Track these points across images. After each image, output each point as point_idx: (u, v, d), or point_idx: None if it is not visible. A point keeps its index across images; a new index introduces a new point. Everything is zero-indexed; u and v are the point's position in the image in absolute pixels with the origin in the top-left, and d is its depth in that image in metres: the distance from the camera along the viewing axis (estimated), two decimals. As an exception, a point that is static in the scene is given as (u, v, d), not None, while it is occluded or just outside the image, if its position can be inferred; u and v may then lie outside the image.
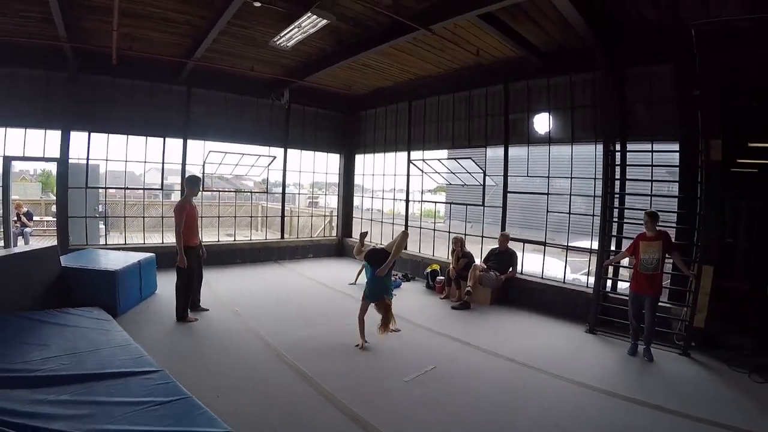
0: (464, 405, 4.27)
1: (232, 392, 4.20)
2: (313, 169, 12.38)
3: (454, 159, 9.19)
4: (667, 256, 5.64)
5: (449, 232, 9.65)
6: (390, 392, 4.45)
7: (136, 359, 3.94)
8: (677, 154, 6.40)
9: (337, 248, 12.74)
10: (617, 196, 6.83)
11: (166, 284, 7.44)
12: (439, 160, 9.73)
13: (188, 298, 6.27)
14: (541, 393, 4.59)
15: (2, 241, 9.40)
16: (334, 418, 3.86)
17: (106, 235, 10.01)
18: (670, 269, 6.11)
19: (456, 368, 5.04)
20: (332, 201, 13.20)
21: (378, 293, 5.56)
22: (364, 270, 9.06)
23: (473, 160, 8.91)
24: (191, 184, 6.33)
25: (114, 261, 6.69)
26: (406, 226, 10.82)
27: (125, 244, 9.54)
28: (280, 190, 12.13)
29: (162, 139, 9.60)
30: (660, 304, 5.93)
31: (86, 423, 2.79)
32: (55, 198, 15.87)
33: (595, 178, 7.17)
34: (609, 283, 7.06)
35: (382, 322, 5.49)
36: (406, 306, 7.52)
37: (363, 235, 6.60)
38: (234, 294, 7.64)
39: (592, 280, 7.18)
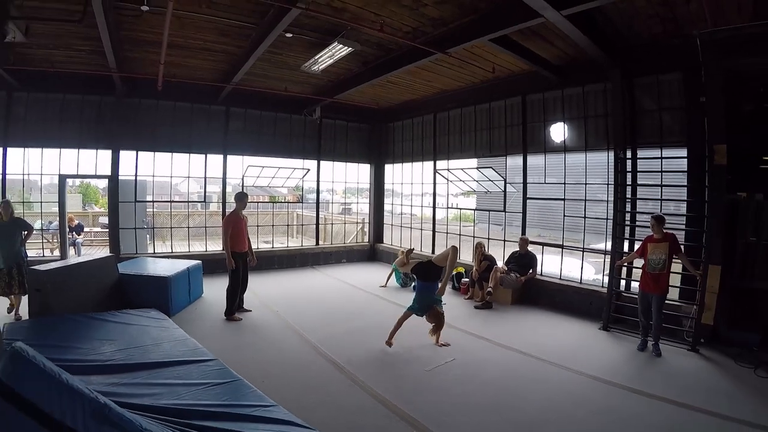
0: (476, 390, 4.71)
1: (275, 378, 4.78)
2: (345, 179, 12.94)
3: (476, 168, 9.58)
4: (674, 256, 5.90)
5: (473, 237, 10.09)
6: (412, 379, 4.96)
7: (193, 350, 4.62)
8: (685, 159, 6.65)
9: (369, 253, 13.23)
10: (629, 200, 7.09)
11: (212, 288, 8.28)
12: (462, 169, 10.07)
13: (236, 298, 7.00)
14: (547, 382, 4.98)
15: (58, 251, 10.28)
16: (361, 400, 4.42)
17: (153, 243, 10.79)
18: (681, 269, 6.35)
19: (472, 360, 5.43)
20: (364, 208, 13.73)
21: (427, 306, 5.74)
22: (394, 274, 9.58)
23: (494, 169, 9.27)
24: (239, 199, 7.16)
25: (165, 268, 7.39)
26: (434, 231, 11.28)
27: (172, 252, 10.23)
28: (314, 198, 12.62)
29: (204, 155, 10.30)
30: (670, 302, 6.20)
31: (158, 399, 3.33)
32: (98, 209, 17.10)
33: (608, 184, 7.46)
34: (623, 282, 7.29)
35: (434, 328, 5.75)
36: None
37: (409, 252, 6.78)
38: (274, 296, 8.21)
39: (601, 281, 7.52)
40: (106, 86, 8.96)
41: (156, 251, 10.43)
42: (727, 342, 6.04)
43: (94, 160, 9.37)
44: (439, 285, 5.72)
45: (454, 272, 9.52)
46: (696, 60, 5.88)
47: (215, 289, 8.29)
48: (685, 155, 6.66)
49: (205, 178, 10.47)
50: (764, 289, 6.01)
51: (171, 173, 10.09)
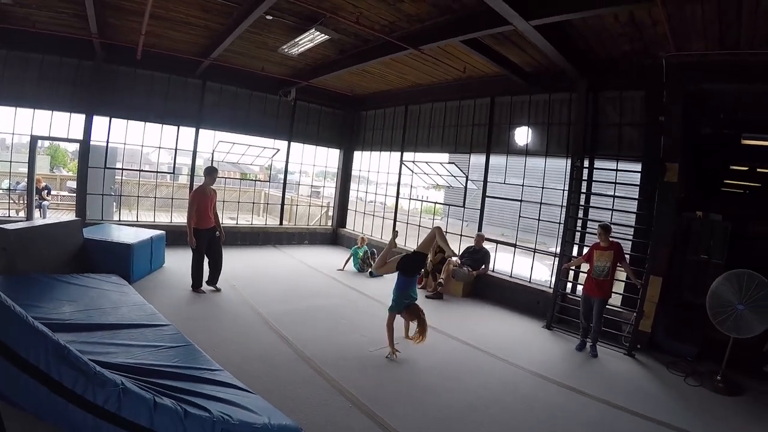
0: (417, 373, 4.91)
1: (226, 346, 4.94)
2: (314, 162, 12.94)
3: (440, 163, 9.65)
4: (618, 265, 6.05)
5: (395, 230, 10.28)
6: (356, 358, 5.09)
7: (149, 315, 4.72)
8: (639, 173, 6.83)
9: (332, 237, 13.23)
10: (581, 207, 7.28)
11: (174, 259, 8.27)
12: (427, 162, 10.13)
13: (198, 272, 6.91)
14: (485, 371, 5.18)
15: (23, 212, 10.12)
16: (304, 374, 4.57)
17: (119, 211, 10.51)
18: (625, 277, 6.56)
19: (416, 346, 5.36)
20: (330, 192, 13.81)
21: (406, 300, 5.32)
22: (352, 259, 9.60)
23: (457, 165, 9.37)
24: (208, 173, 6.96)
25: (129, 235, 7.35)
26: (395, 221, 11.36)
27: (137, 221, 10.13)
28: (282, 178, 12.60)
29: (176, 127, 10.09)
30: (612, 307, 6.41)
31: (113, 357, 3.38)
32: (66, 173, 16.75)
33: (564, 190, 7.62)
34: (569, 285, 7.54)
35: (417, 330, 5.14)
36: (380, 290, 8.07)
37: (395, 234, 6.36)
38: (233, 271, 8.08)
39: (550, 281, 7.73)
40: (86, 51, 8.73)
41: (122, 219, 10.23)
42: (662, 350, 6.30)
43: (67, 124, 9.08)
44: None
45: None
46: (660, 80, 6.09)
47: (177, 260, 8.31)
48: (640, 170, 6.84)
49: (176, 149, 10.24)
50: (705, 305, 6.24)
51: (142, 142, 9.88)
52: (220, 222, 7.32)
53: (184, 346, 4.02)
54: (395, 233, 6.32)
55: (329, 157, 13.26)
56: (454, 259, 8.25)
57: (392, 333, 5.32)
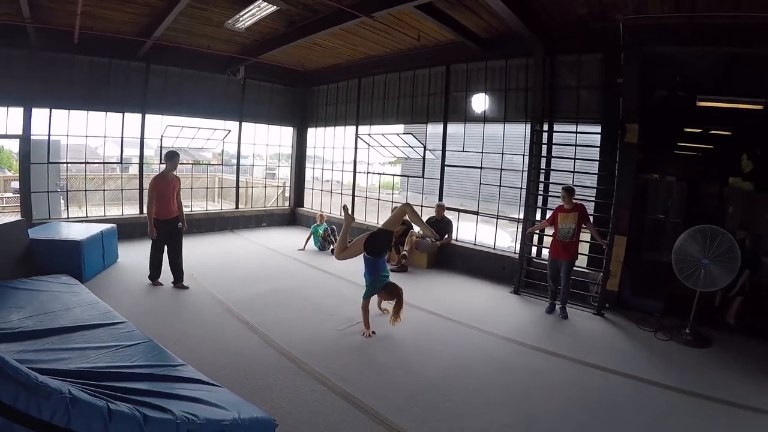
0: (387, 349, 4.77)
1: (188, 340, 4.63)
2: (267, 141, 12.38)
3: (397, 134, 9.41)
4: (583, 226, 6.03)
5: (392, 202, 10.03)
6: (324, 340, 4.91)
7: (103, 314, 4.28)
8: (599, 135, 6.83)
9: (290, 217, 12.88)
10: (543, 171, 7.21)
11: (128, 253, 7.81)
12: (383, 134, 9.89)
13: (157, 263, 6.46)
14: (457, 341, 5.09)
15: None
16: (273, 360, 4.36)
17: (67, 209, 9.94)
18: (589, 238, 6.50)
19: (385, 320, 5.30)
20: (285, 172, 13.29)
21: (380, 283, 5.16)
22: (312, 238, 9.37)
23: (414, 135, 9.14)
24: (169, 159, 6.33)
25: (78, 232, 6.83)
26: (353, 196, 11.06)
27: (87, 217, 9.39)
28: (235, 161, 11.99)
29: (121, 114, 9.43)
30: (578, 269, 6.39)
31: (67, 363, 3.09)
32: (9, 173, 15.77)
33: (524, 155, 7.53)
34: (534, 249, 7.53)
35: (394, 310, 5.08)
36: (343, 268, 7.75)
37: (346, 210, 5.93)
38: (191, 260, 7.46)
39: (514, 247, 7.70)
40: (19, 38, 7.90)
41: (71, 216, 9.58)
42: (630, 308, 6.37)
43: (5, 119, 8.28)
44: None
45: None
46: (617, 44, 6.07)
47: (131, 254, 7.87)
48: (599, 131, 6.83)
49: (122, 138, 9.56)
50: (668, 263, 6.34)
51: (86, 133, 9.15)
52: (184, 212, 6.74)
53: (142, 343, 3.70)
54: (345, 210, 5.85)
55: (282, 136, 12.78)
56: (418, 231, 7.96)
57: (368, 315, 5.16)
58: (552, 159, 7.31)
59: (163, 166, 6.48)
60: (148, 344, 3.72)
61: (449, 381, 4.15)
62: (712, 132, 8.08)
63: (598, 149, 6.96)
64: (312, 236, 9.57)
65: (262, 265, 8.15)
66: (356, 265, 8.07)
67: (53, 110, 8.72)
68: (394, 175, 10.75)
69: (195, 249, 8.85)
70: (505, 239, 8.60)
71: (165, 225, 6.38)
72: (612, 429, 3.53)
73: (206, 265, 7.78)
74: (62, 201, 9.95)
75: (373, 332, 5.10)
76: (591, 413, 3.72)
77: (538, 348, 5.01)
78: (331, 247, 9.07)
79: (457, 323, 5.67)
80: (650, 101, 6.51)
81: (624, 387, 4.23)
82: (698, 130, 8.04)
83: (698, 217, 6.45)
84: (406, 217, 8.34)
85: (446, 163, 9.05)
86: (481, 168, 8.36)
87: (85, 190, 10.07)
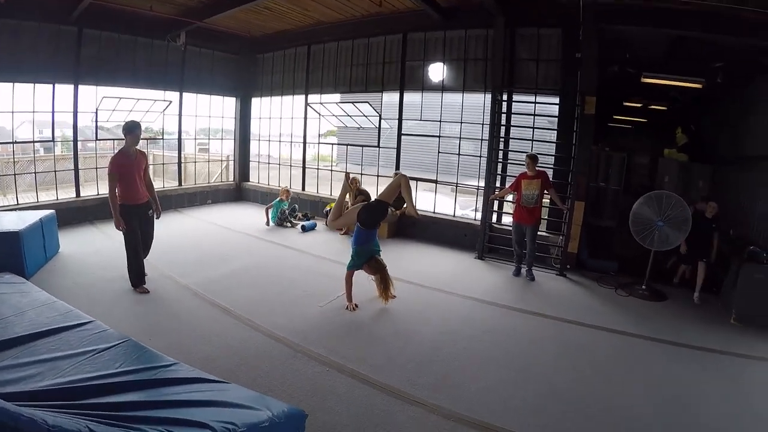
0: (372, 321, 4.74)
1: (163, 333, 4.24)
2: (209, 113, 11.61)
3: (352, 102, 9.15)
4: (545, 192, 6.26)
5: (347, 173, 9.86)
6: (307, 316, 4.76)
7: (65, 314, 3.62)
8: (557, 106, 7.10)
9: (236, 193, 12.29)
10: (502, 140, 7.38)
11: (70, 242, 6.99)
12: (337, 103, 9.62)
13: (138, 262, 5.29)
14: (437, 307, 5.18)
15: None
16: (261, 343, 4.14)
17: None
18: (548, 203, 6.77)
19: (362, 293, 5.16)
20: (227, 146, 12.59)
21: (366, 256, 4.93)
22: (271, 212, 9.07)
23: (370, 104, 8.92)
24: (129, 131, 5.11)
25: (13, 221, 5.85)
26: (304, 168, 10.84)
27: (17, 204, 8.18)
28: (175, 137, 11.16)
29: (51, 85, 8.33)
30: (540, 233, 6.66)
31: (38, 381, 2.61)
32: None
33: (483, 124, 7.67)
34: (495, 216, 7.72)
35: (380, 287, 4.87)
36: (308, 243, 7.80)
37: (349, 179, 5.80)
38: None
39: (479, 215, 7.82)
40: None
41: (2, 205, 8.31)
42: (587, 268, 6.74)
43: None
44: (405, 208, 5.12)
45: (328, 208, 9.24)
46: (576, 19, 6.19)
47: (74, 243, 7.05)
48: (557, 102, 7.08)
49: (53, 111, 8.43)
50: (613, 227, 7.03)
51: (12, 108, 7.88)
52: (156, 195, 5.64)
53: (120, 343, 3.15)
54: (347, 177, 5.70)
55: (225, 106, 12.04)
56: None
57: (350, 288, 5.04)
58: (511, 128, 7.48)
59: (124, 142, 5.24)
60: (126, 344, 3.22)
61: (446, 347, 4.25)
62: (651, 107, 8.49)
63: (556, 119, 7.21)
64: (271, 210, 9.20)
65: (218, 244, 7.66)
66: (318, 239, 8.08)
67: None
68: (348, 144, 10.26)
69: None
70: (453, 207, 8.63)
71: (135, 212, 5.24)
72: (601, 378, 3.82)
73: (157, 248, 7.04)
74: None
75: (356, 305, 5.01)
76: (578, 364, 4.02)
77: (515, 308, 5.26)
78: (301, 223, 8.92)
79: (434, 290, 5.78)
80: (601, 76, 6.77)
81: (602, 339, 4.60)
82: (638, 105, 8.43)
83: (631, 184, 7.24)
84: (362, 187, 7.87)
85: (403, 132, 8.98)
86: (439, 137, 8.39)
87: (14, 174, 8.76)
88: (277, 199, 9.33)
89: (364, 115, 9.24)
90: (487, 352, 4.16)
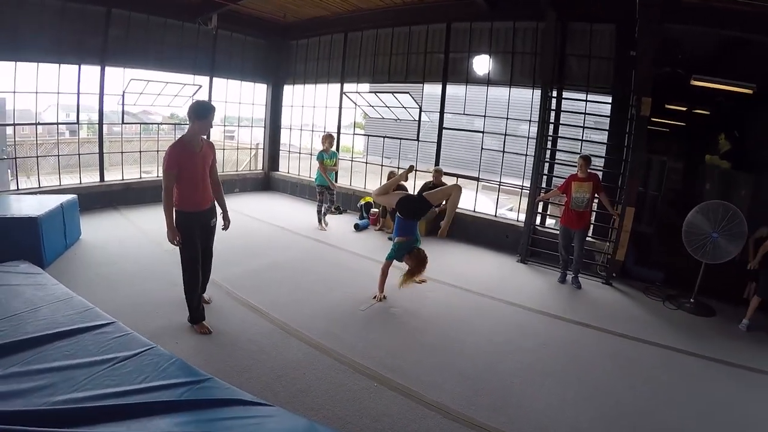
0: (417, 327, 4.46)
1: (190, 335, 3.89)
2: (239, 99, 11.30)
3: (392, 93, 8.76)
4: (595, 196, 5.97)
5: (382, 166, 9.53)
6: (348, 322, 4.39)
7: (82, 313, 3.32)
8: (609, 106, 6.73)
9: (264, 182, 12.01)
10: (551, 138, 7.03)
11: (91, 228, 6.69)
12: (375, 93, 9.22)
13: (196, 293, 4.00)
14: (486, 314, 4.94)
15: None
16: (294, 347, 3.83)
17: (16, 180, 8.52)
18: (596, 207, 6.45)
19: (402, 295, 4.95)
20: (256, 135, 12.20)
21: (407, 248, 4.79)
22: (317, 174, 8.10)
23: (411, 95, 8.58)
24: (198, 114, 3.73)
25: (33, 206, 5.53)
26: (410, 167, 10.33)
27: (39, 187, 7.94)
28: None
29: (77, 66, 8.03)
30: (586, 238, 6.38)
31: (49, 395, 2.29)
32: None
33: (530, 121, 7.39)
34: (538, 218, 7.41)
35: (407, 272, 4.70)
36: (342, 237, 7.53)
37: (411, 169, 5.57)
38: (158, 232, 5.57)
39: (516, 215, 7.65)
40: None
41: (20, 188, 8.10)
42: (632, 277, 6.46)
43: None
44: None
45: (363, 201, 9.01)
46: (631, 16, 5.87)
47: (96, 229, 6.76)
48: (609, 101, 6.72)
49: (79, 93, 8.09)
50: (662, 235, 6.63)
51: (36, 89, 7.51)
52: (225, 199, 4.36)
53: (144, 351, 2.84)
54: (410, 168, 5.58)
55: (256, 93, 11.73)
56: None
57: (384, 278, 4.96)
58: (560, 127, 7.13)
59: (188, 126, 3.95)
60: (151, 352, 2.89)
61: (500, 360, 3.99)
62: (694, 111, 7.98)
63: (608, 119, 6.86)
64: (316, 174, 8.09)
65: (246, 236, 7.19)
66: (350, 233, 7.78)
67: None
68: (385, 137, 9.74)
69: (161, 220, 7.81)
70: (495, 206, 8.26)
71: (196, 221, 3.96)
72: (662, 398, 3.57)
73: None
74: (9, 171, 8.54)
75: (384, 296, 4.95)
76: (635, 382, 3.78)
77: (565, 318, 5.03)
78: (356, 222, 8.41)
79: (478, 295, 5.54)
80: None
81: (656, 356, 4.33)
82: (682, 108, 7.90)
83: (676, 192, 6.84)
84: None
85: (444, 126, 8.62)
86: (483, 132, 8.10)
87: (37, 156, 8.41)
88: (320, 150, 8.01)
89: (403, 107, 8.92)
90: (544, 367, 3.95)
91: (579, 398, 3.48)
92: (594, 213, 6.59)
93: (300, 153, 11.46)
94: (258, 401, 2.46)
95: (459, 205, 7.77)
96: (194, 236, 3.90)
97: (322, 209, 7.97)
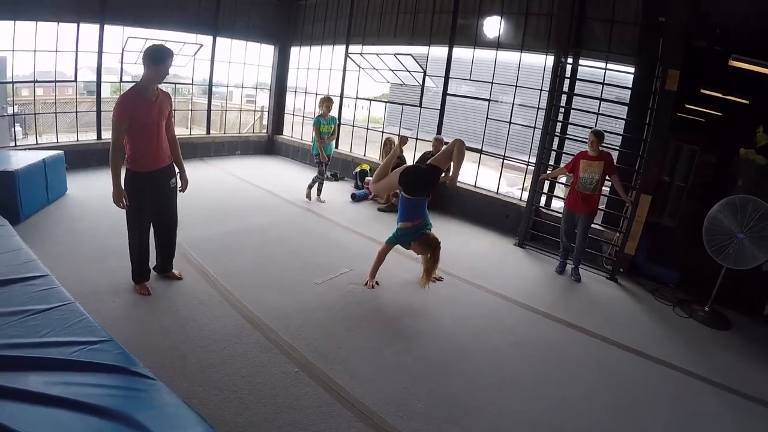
0: (378, 314, 4.01)
1: (131, 294, 3.80)
2: (244, 60, 11.00)
3: (393, 54, 8.28)
4: (606, 177, 5.31)
5: (383, 132, 9.08)
6: (299, 296, 4.12)
7: (22, 265, 3.26)
8: (631, 76, 5.99)
9: (267, 145, 11.79)
10: (562, 110, 6.37)
11: (79, 184, 6.70)
12: (377, 54, 8.71)
13: (142, 254, 3.87)
14: (461, 302, 4.46)
15: None
16: (230, 319, 3.61)
17: (14, 136, 8.48)
18: (608, 192, 5.85)
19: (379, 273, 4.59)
20: (262, 98, 12.19)
21: (414, 233, 4.22)
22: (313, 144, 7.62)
23: (413, 57, 8.05)
24: (154, 58, 3.45)
25: (15, 161, 5.72)
26: (339, 124, 9.81)
27: (36, 144, 8.00)
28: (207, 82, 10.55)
29: (75, 24, 7.90)
30: (594, 226, 5.73)
31: None
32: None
33: (541, 90, 6.67)
34: (543, 199, 6.80)
35: (425, 268, 4.14)
36: (331, 206, 7.22)
37: (403, 140, 4.88)
38: None
39: (520, 194, 7.02)
40: None
41: (18, 144, 8.11)
42: (642, 274, 5.78)
43: None
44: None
45: (358, 169, 8.57)
46: None
47: (85, 186, 6.77)
48: (632, 71, 5.97)
49: (77, 52, 8.05)
50: (684, 232, 5.87)
51: (35, 47, 7.55)
52: (180, 154, 4.04)
53: (60, 306, 2.77)
54: (403, 139, 4.87)
55: (262, 54, 11.39)
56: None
57: (380, 263, 4.46)
58: (574, 97, 6.43)
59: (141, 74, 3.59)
60: (66, 308, 2.80)
61: (457, 360, 3.47)
62: (730, 97, 7.20)
63: (628, 92, 6.08)
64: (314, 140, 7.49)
65: (231, 198, 7.19)
66: (343, 202, 7.48)
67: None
68: (387, 102, 9.52)
69: None
70: (497, 183, 7.74)
71: (148, 182, 3.70)
72: (643, 421, 3.02)
73: None
74: (12, 128, 8.55)
75: (377, 283, 4.46)
76: (620, 402, 3.20)
77: (553, 316, 4.40)
78: (353, 191, 8.14)
79: (458, 279, 5.01)
80: (685, 50, 5.53)
81: (648, 371, 3.70)
82: (718, 95, 7.17)
83: (704, 186, 6.04)
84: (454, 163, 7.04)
85: (448, 92, 8.03)
86: (489, 100, 7.43)
87: (34, 114, 8.53)
88: (317, 116, 7.43)
89: (408, 71, 8.36)
90: (507, 374, 3.35)
91: (538, 422, 2.84)
92: (607, 198, 6.00)
93: (304, 117, 11.11)
94: (143, 372, 2.29)
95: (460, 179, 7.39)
96: (145, 200, 3.68)
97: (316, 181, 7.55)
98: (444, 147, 4.54)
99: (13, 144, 8.02)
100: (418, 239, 4.20)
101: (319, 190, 7.60)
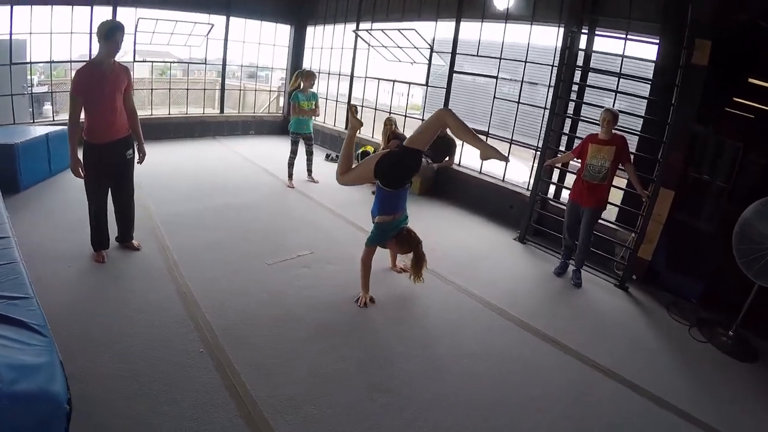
0: (316, 297, 3.74)
1: (89, 261, 4.00)
2: (259, 40, 10.85)
3: (398, 30, 7.81)
4: (620, 166, 4.51)
5: (390, 113, 8.51)
6: (245, 280, 3.94)
7: None
8: (656, 48, 5.07)
9: (282, 126, 11.39)
10: (576, 87, 5.55)
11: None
12: (382, 30, 8.24)
13: (100, 222, 4.07)
14: (432, 305, 3.94)
15: None
16: (166, 297, 3.54)
17: (32, 113, 8.93)
18: (625, 185, 5.06)
19: (336, 254, 4.50)
20: (277, 77, 12.19)
21: (393, 229, 3.77)
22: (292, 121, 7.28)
23: (417, 32, 7.54)
24: (105, 34, 3.65)
25: (17, 135, 6.24)
26: (349, 104, 9.33)
27: (53, 120, 8.38)
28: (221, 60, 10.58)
29: (89, 7, 8.04)
30: (606, 224, 5.01)
31: None
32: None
33: (554, 66, 5.88)
34: (552, 189, 6.08)
35: (412, 266, 3.83)
36: (324, 188, 6.94)
37: (354, 111, 4.13)
38: (148, 168, 5.29)
39: (528, 183, 6.29)
40: None
41: (35, 120, 8.64)
42: (659, 284, 4.93)
43: None
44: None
45: (361, 150, 8.05)
46: None
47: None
48: (657, 42, 5.07)
49: (91, 33, 8.12)
50: (718, 237, 4.64)
51: (51, 30, 7.93)
52: (139, 126, 4.20)
53: (3, 265, 2.83)
54: (353, 112, 4.10)
55: (278, 34, 11.19)
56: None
57: (368, 272, 3.77)
58: (589, 72, 5.59)
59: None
60: (7, 267, 2.86)
61: (394, 374, 2.97)
62: None
63: (652, 66, 5.20)
64: (292, 118, 7.13)
65: (224, 176, 7.19)
66: (339, 188, 6.69)
67: (14, 6, 7.49)
68: (393, 81, 9.14)
69: (161, 156, 7.89)
70: (518, 172, 7.25)
71: (104, 153, 3.89)
72: None
73: (163, 173, 6.83)
74: (33, 105, 9.02)
75: (372, 299, 3.80)
76: None
77: (534, 329, 3.75)
78: (328, 153, 8.00)
79: (436, 276, 4.46)
80: (723, 25, 4.57)
81: (650, 418, 2.91)
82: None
83: (749, 188, 4.80)
84: (400, 131, 6.72)
85: (455, 69, 7.47)
86: (497, 78, 6.75)
87: (51, 92, 8.94)
88: (294, 90, 6.95)
89: (415, 47, 7.84)
90: (451, 388, 2.80)
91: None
92: (622, 191, 5.21)
93: (325, 99, 10.69)
94: (40, 330, 2.28)
95: (456, 162, 6.84)
96: (101, 170, 3.90)
97: (294, 161, 7.10)
98: (421, 123, 3.86)
99: (31, 120, 8.47)
100: (396, 237, 3.74)
101: (310, 170, 7.29)
